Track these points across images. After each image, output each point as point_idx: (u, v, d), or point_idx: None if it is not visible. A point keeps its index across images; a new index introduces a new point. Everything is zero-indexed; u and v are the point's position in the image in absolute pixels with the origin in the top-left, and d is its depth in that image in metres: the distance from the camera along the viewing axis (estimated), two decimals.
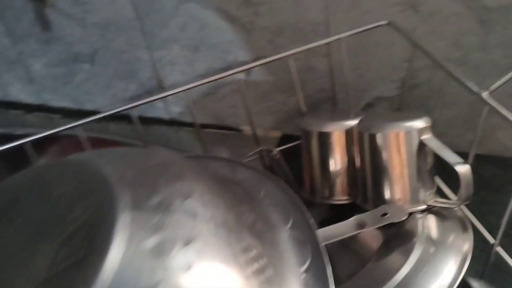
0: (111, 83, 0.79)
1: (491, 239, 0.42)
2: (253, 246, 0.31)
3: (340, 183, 0.50)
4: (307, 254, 0.33)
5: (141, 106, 0.52)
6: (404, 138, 0.44)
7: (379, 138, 0.45)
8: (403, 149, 0.44)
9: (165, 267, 0.26)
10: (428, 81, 0.61)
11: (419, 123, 0.44)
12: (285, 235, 0.35)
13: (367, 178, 0.47)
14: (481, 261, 0.42)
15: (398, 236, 0.44)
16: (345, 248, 0.46)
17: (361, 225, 0.42)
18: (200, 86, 0.54)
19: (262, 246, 0.32)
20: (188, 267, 0.27)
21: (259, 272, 0.30)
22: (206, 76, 0.59)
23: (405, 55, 0.58)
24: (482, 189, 0.43)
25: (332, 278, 0.31)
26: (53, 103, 0.87)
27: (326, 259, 0.33)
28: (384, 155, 0.45)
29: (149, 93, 0.79)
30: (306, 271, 0.33)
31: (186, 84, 0.55)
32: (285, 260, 0.33)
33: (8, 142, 0.48)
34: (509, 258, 0.40)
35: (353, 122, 0.49)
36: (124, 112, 0.53)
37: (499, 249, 0.41)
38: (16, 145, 0.48)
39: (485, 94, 0.40)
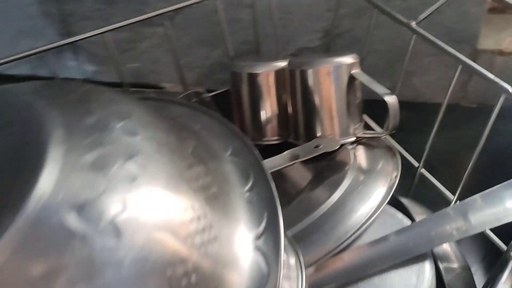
0: (15, 40, 0.73)
1: (415, 163, 0.45)
2: (196, 165, 0.30)
3: (270, 124, 0.50)
4: (249, 175, 0.33)
5: (51, 66, 0.48)
6: (334, 72, 0.44)
7: (310, 74, 0.45)
8: (333, 84, 0.45)
9: (108, 179, 0.24)
10: (350, 30, 0.62)
11: (348, 59, 0.45)
12: (226, 161, 0.34)
13: (299, 115, 0.47)
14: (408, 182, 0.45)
15: (330, 167, 0.45)
16: (279, 185, 0.46)
17: (295, 157, 0.43)
18: (116, 42, 0.51)
19: (205, 167, 0.31)
20: (133, 179, 0.25)
21: (204, 188, 0.29)
22: (123, 31, 0.56)
23: (327, 4, 0.59)
24: (398, 132, 0.46)
25: (277, 194, 0.31)
26: None
27: (269, 177, 0.32)
28: (315, 91, 0.45)
29: (60, 52, 0.74)
30: (249, 190, 0.32)
31: (102, 39, 0.51)
32: (228, 180, 0.32)
33: None
34: (431, 176, 0.43)
35: (283, 64, 0.49)
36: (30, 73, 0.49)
37: (423, 171, 0.44)
38: None
39: (413, 24, 0.42)
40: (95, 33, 0.46)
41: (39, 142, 0.25)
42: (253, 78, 0.48)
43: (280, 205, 0.31)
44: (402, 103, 0.63)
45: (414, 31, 0.43)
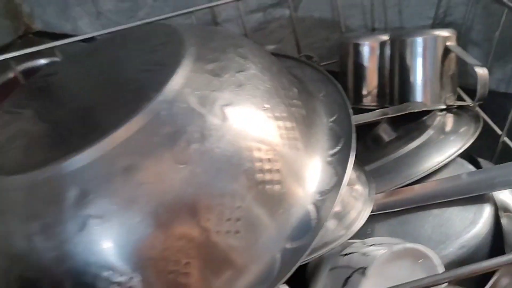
0: (170, 18, 0.87)
1: (499, 131, 0.48)
2: (291, 91, 0.38)
3: (369, 90, 0.56)
4: (335, 112, 0.40)
5: None
6: (430, 42, 0.50)
7: (408, 43, 0.51)
8: (428, 54, 0.50)
9: (221, 81, 0.34)
10: (463, 18, 0.66)
11: (445, 32, 0.50)
12: (318, 99, 0.42)
13: (395, 82, 0.53)
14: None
15: (416, 128, 0.50)
16: (368, 138, 0.52)
17: (384, 114, 0.49)
18: (252, 22, 0.61)
19: (299, 95, 0.39)
20: (240, 85, 0.34)
21: (295, 106, 0.37)
22: (257, 12, 0.66)
23: None
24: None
25: (355, 129, 0.38)
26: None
27: (351, 115, 0.39)
28: (411, 59, 0.51)
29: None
30: (333, 121, 0.40)
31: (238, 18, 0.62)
32: (316, 111, 0.40)
33: None
34: None
35: (385, 37, 0.55)
36: None
37: (506, 139, 0.48)
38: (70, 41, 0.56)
39: None
40: (231, 0, 0.57)
41: (178, 53, 0.35)
42: (357, 48, 0.55)
43: (356, 136, 0.38)
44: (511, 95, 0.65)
45: (505, 5, 0.46)
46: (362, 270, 0.29)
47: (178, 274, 0.30)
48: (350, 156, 0.35)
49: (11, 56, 0.57)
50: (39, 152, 0.32)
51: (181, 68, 0.33)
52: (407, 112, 0.49)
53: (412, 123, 0.51)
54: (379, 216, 0.39)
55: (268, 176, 0.32)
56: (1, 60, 0.60)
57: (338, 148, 0.37)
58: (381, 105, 0.56)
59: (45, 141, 0.33)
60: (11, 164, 0.32)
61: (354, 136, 0.37)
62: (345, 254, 0.34)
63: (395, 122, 0.52)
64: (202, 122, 0.31)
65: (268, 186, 0.32)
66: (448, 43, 0.49)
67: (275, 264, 0.31)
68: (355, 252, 0.33)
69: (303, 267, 0.34)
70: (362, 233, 0.37)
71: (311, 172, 0.35)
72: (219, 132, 0.31)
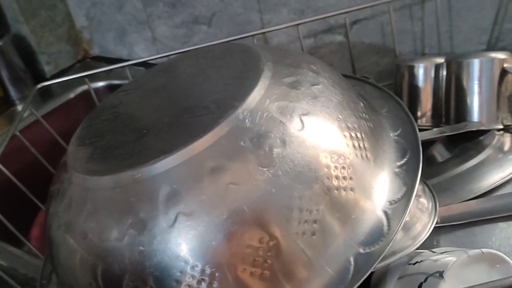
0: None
1: None
2: (359, 104, 0.40)
3: (424, 111, 0.57)
4: (399, 126, 0.42)
5: None
6: (486, 64, 0.51)
7: (464, 65, 0.52)
8: (485, 75, 0.52)
9: (298, 93, 0.36)
10: None
11: (502, 55, 0.52)
12: (382, 115, 0.44)
13: (451, 102, 0.55)
14: None
15: (475, 148, 0.51)
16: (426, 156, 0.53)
17: (442, 132, 0.50)
18: (303, 47, 0.64)
19: (365, 108, 0.41)
20: (314, 97, 0.36)
21: (364, 119, 0.39)
22: (308, 37, 0.69)
23: (494, 18, 0.65)
24: None
25: (420, 141, 0.39)
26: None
27: (416, 129, 0.41)
28: (468, 80, 0.52)
29: None
30: (397, 135, 0.41)
31: (289, 44, 0.65)
32: (382, 125, 0.42)
33: None
34: None
35: (440, 60, 0.57)
36: None
37: None
38: (119, 67, 0.60)
39: None
40: (288, 25, 0.60)
41: (257, 67, 0.38)
42: (412, 70, 0.57)
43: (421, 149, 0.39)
44: None
45: None
46: (439, 274, 0.30)
47: (257, 272, 0.32)
48: (419, 168, 0.37)
49: (68, 79, 0.62)
50: (131, 156, 0.34)
51: (261, 80, 0.36)
52: (464, 131, 0.50)
53: (468, 142, 0.52)
54: (444, 228, 0.40)
55: (342, 182, 0.34)
56: (64, 81, 0.65)
57: (405, 160, 0.38)
58: (435, 126, 0.58)
59: (135, 146, 0.35)
60: (102, 167, 0.35)
61: (420, 148, 0.38)
62: (415, 263, 0.35)
63: (450, 142, 0.53)
64: (283, 129, 0.33)
65: (342, 192, 0.34)
66: (505, 65, 0.51)
67: (349, 268, 0.33)
68: (425, 260, 0.34)
69: (367, 279, 0.35)
70: (427, 245, 0.38)
71: (380, 182, 0.36)
72: (298, 139, 0.33)
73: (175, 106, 0.38)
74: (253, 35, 0.63)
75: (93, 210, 0.34)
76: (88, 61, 1.03)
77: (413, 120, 0.41)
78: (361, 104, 0.40)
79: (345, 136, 0.35)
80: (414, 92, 0.58)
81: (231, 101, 0.34)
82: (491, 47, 0.68)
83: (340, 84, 0.39)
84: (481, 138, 0.52)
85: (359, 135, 0.37)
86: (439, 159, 0.52)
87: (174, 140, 0.33)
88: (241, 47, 0.42)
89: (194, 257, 0.31)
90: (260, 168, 0.32)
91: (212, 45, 0.55)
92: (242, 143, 0.32)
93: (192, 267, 0.31)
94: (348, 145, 0.35)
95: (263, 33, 0.63)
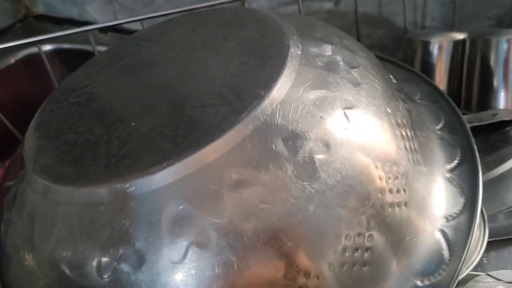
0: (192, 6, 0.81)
1: None
2: (400, 91, 0.32)
3: None
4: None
5: None
6: None
7: (493, 43, 0.45)
8: None
9: (338, 79, 0.28)
10: None
11: None
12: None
13: (474, 85, 0.48)
14: None
15: (503, 140, 0.45)
16: None
17: (469, 122, 0.43)
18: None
19: (405, 96, 0.33)
20: (357, 84, 0.28)
21: (408, 110, 0.31)
22: (292, 4, 0.60)
23: None
24: None
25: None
26: (130, 25, 0.88)
27: (462, 118, 0.33)
28: (496, 61, 0.46)
29: None
30: (440, 129, 0.34)
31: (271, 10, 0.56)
32: (422, 118, 0.34)
33: (84, 58, 0.48)
34: None
35: (459, 36, 0.50)
36: None
37: None
38: (81, 31, 0.49)
39: None
40: None
41: (279, 43, 0.29)
42: (426, 46, 0.50)
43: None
44: None
45: None
46: None
47: None
48: (478, 171, 0.29)
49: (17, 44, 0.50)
50: (118, 159, 0.25)
51: (289, 61, 0.27)
52: (495, 120, 0.43)
53: (494, 134, 0.45)
54: (494, 243, 0.34)
55: (396, 197, 0.26)
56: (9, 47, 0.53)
57: (456, 161, 0.31)
58: None
59: (122, 145, 0.26)
60: (78, 173, 0.25)
61: (474, 146, 0.31)
62: None
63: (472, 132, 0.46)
64: (324, 127, 0.25)
65: (396, 209, 0.26)
66: None
67: None
68: None
69: None
70: (477, 263, 0.31)
71: (434, 192, 0.29)
72: (345, 141, 0.25)
73: (174, 90, 0.28)
74: (221, 3, 0.53)
75: (68, 233, 0.24)
76: (30, 20, 0.89)
77: (457, 109, 0.34)
78: (401, 91, 0.32)
79: (396, 135, 0.28)
80: (427, 72, 0.51)
81: (253, 87, 0.25)
82: (501, 23, 0.61)
83: (379, 66, 0.31)
84: (508, 128, 0.45)
85: (409, 133, 0.29)
86: None
87: (179, 140, 0.24)
88: (252, 14, 0.33)
89: None
90: (300, 181, 0.23)
91: (210, 6, 0.45)
92: (274, 146, 0.24)
93: None
94: (400, 147, 0.28)
95: (232, 1, 0.53)
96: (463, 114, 0.46)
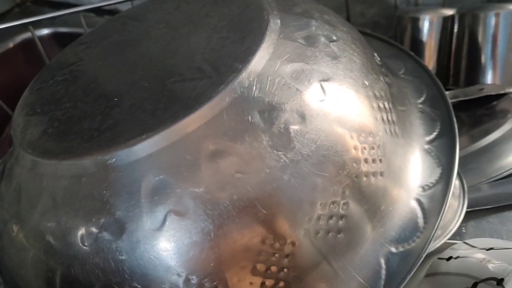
0: None
1: None
2: (381, 66, 0.33)
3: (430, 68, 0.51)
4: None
5: None
6: (505, 18, 0.45)
7: (481, 18, 0.46)
8: (503, 30, 0.45)
9: (316, 52, 0.28)
10: None
11: None
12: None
13: (462, 61, 0.48)
14: None
15: (489, 115, 0.45)
16: None
17: (455, 97, 0.43)
18: None
19: (386, 71, 0.33)
20: (335, 57, 0.29)
21: (388, 84, 0.31)
22: None
23: None
24: None
25: (451, 106, 0.32)
26: (125, 7, 0.88)
27: (444, 93, 0.34)
28: (484, 36, 0.46)
29: None
30: (422, 102, 0.34)
31: None
32: (404, 92, 0.35)
33: None
34: None
35: (448, 11, 0.50)
36: None
37: None
38: (71, 12, 0.49)
39: None
40: None
41: (259, 18, 0.29)
42: (415, 23, 0.50)
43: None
44: None
45: None
46: (496, 282, 0.24)
47: (269, 284, 0.24)
48: (455, 143, 0.30)
49: (9, 26, 0.50)
50: (101, 132, 0.26)
51: (267, 35, 0.27)
52: (481, 95, 0.43)
53: (480, 108, 0.46)
54: (473, 213, 0.34)
55: (372, 167, 0.27)
56: (2, 28, 0.53)
57: (435, 133, 0.32)
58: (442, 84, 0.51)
59: (105, 119, 0.27)
60: (62, 147, 0.26)
61: (453, 118, 0.32)
62: (448, 258, 0.29)
63: (456, 108, 0.47)
64: (300, 100, 0.26)
65: (372, 178, 0.27)
66: None
67: (380, 272, 0.26)
68: (465, 257, 0.28)
69: None
70: (456, 232, 0.32)
71: (411, 163, 0.30)
72: (320, 113, 0.26)
73: (156, 66, 0.29)
74: None
75: (52, 205, 0.25)
76: (28, 5, 0.90)
77: (440, 84, 0.35)
78: (382, 65, 0.33)
79: (373, 107, 0.28)
80: (417, 48, 0.51)
81: (231, 61, 0.26)
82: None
83: (360, 41, 0.32)
84: (494, 103, 0.46)
85: (387, 106, 0.29)
86: None
87: (158, 113, 0.25)
88: None
89: (190, 268, 0.24)
90: (275, 151, 0.24)
91: None
92: (250, 118, 0.24)
93: (187, 281, 0.24)
94: (377, 119, 0.28)
95: None
96: (451, 89, 0.46)
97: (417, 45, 0.51)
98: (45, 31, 0.81)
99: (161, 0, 0.38)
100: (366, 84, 0.29)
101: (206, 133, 0.24)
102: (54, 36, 0.81)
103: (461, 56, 0.48)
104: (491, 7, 0.46)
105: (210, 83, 0.26)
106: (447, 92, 0.43)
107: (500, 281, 0.24)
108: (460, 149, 0.37)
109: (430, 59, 0.51)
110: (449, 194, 0.28)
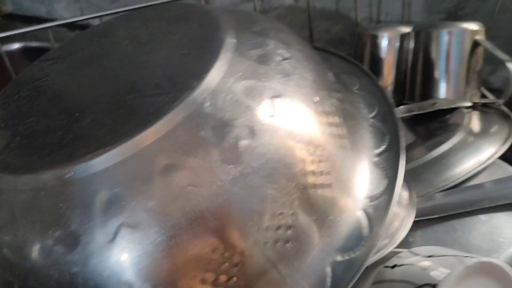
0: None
1: None
2: (334, 82, 0.35)
3: (387, 84, 0.53)
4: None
5: None
6: (458, 36, 0.47)
7: (434, 36, 0.48)
8: (455, 47, 0.47)
9: (268, 70, 0.30)
10: (474, 13, 0.64)
11: (474, 26, 0.48)
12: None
13: (417, 76, 0.50)
14: None
15: (442, 128, 0.47)
16: None
17: (409, 111, 0.46)
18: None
19: (339, 86, 0.35)
20: (287, 75, 0.30)
21: (339, 99, 0.33)
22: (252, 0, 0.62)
23: None
24: None
25: (400, 121, 0.34)
26: (97, 22, 0.89)
27: (393, 107, 0.36)
28: (437, 53, 0.48)
29: None
30: (373, 117, 0.36)
31: (233, 7, 0.58)
32: (357, 106, 0.36)
33: None
34: None
35: (406, 29, 0.52)
36: None
37: None
38: (40, 28, 0.50)
39: None
40: None
41: (218, 36, 0.31)
42: (374, 39, 0.52)
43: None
44: None
45: None
46: (432, 287, 0.26)
47: None
48: (401, 156, 0.32)
49: None
50: (61, 147, 0.27)
51: (222, 53, 0.29)
52: (434, 109, 0.46)
53: (434, 121, 0.48)
54: (421, 223, 0.36)
55: (319, 179, 0.28)
56: None
57: (384, 146, 0.34)
58: (398, 102, 0.54)
59: (66, 134, 0.28)
60: (22, 161, 0.27)
61: (401, 132, 0.33)
62: (393, 266, 0.31)
63: (413, 121, 0.49)
64: (251, 116, 0.27)
65: (319, 190, 0.28)
66: (477, 37, 0.47)
67: (326, 280, 0.28)
68: (408, 265, 0.30)
69: None
70: (403, 241, 0.34)
71: (359, 175, 0.31)
72: (270, 128, 0.27)
73: (118, 82, 0.30)
74: None
75: (9, 218, 0.26)
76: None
77: (390, 99, 0.37)
78: (335, 81, 0.34)
79: (321, 122, 0.30)
80: (376, 64, 0.53)
81: (188, 78, 0.27)
82: (451, 16, 0.64)
83: (314, 58, 0.34)
84: (447, 116, 0.48)
85: (337, 120, 0.31)
86: (409, 140, 0.48)
87: (116, 128, 0.26)
88: (199, 9, 0.35)
89: (142, 278, 0.25)
90: (226, 165, 0.25)
91: (161, 4, 0.47)
92: (202, 133, 0.26)
93: None
94: (325, 133, 0.30)
95: None
96: (407, 103, 0.48)
97: (376, 61, 0.53)
98: (16, 46, 0.82)
99: (128, 17, 0.39)
100: (316, 100, 0.30)
101: (161, 147, 0.25)
102: (25, 50, 0.81)
103: (416, 72, 0.50)
104: (444, 25, 0.48)
105: (167, 99, 0.27)
106: (402, 107, 0.45)
107: (434, 286, 0.26)
108: (413, 160, 0.39)
109: (388, 75, 0.53)
110: (392, 205, 0.30)
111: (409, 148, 0.46)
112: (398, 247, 0.33)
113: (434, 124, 0.48)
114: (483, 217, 0.37)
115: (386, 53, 0.52)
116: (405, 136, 0.46)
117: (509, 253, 0.34)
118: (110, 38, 0.36)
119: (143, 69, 0.31)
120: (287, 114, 0.28)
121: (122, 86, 0.30)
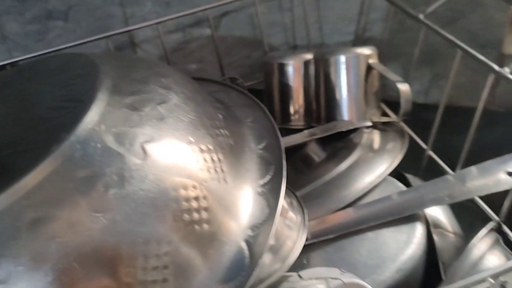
0: (84, 44, 0.83)
1: (424, 146, 0.49)
2: (217, 120, 0.36)
3: (296, 110, 0.55)
4: (264, 137, 0.38)
5: None
6: (353, 61, 0.50)
7: (331, 62, 0.51)
8: (352, 72, 0.50)
9: (141, 116, 0.31)
10: (381, 34, 0.67)
11: (366, 50, 0.50)
12: (246, 125, 0.40)
13: (321, 101, 0.53)
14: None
15: (344, 147, 0.50)
16: (298, 160, 0.51)
17: (312, 135, 0.48)
18: (171, 43, 0.59)
19: (225, 123, 0.37)
20: (161, 118, 0.32)
21: (222, 136, 0.35)
22: (175, 32, 0.64)
23: (360, 8, 0.65)
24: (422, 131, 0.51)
25: (284, 154, 0.36)
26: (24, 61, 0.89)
27: (281, 140, 0.38)
28: (335, 78, 0.51)
29: (120, 49, 0.83)
30: (262, 148, 0.38)
31: (156, 39, 0.60)
32: (245, 139, 0.38)
33: None
34: (439, 159, 0.47)
35: (310, 56, 0.55)
36: None
37: (431, 153, 0.48)
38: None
39: (421, 16, 0.47)
40: (149, 24, 0.54)
41: (93, 87, 0.32)
42: (281, 68, 0.54)
43: (286, 163, 0.36)
44: (429, 106, 0.67)
45: (422, 23, 0.47)
46: None
47: None
48: (282, 185, 0.34)
49: None
50: None
51: (95, 103, 0.30)
52: (335, 131, 0.48)
53: (339, 141, 0.51)
54: (315, 244, 0.38)
55: (196, 216, 0.30)
56: None
57: (268, 177, 0.35)
58: (308, 124, 0.56)
59: None
60: None
61: (284, 163, 0.35)
62: None
63: (323, 141, 0.52)
64: (121, 163, 0.28)
65: (196, 227, 0.30)
66: (370, 61, 0.50)
67: None
68: None
69: None
70: (298, 264, 0.35)
71: (242, 206, 0.33)
72: (141, 173, 0.28)
73: None
74: (108, 36, 0.56)
75: None
76: None
77: (277, 130, 0.38)
78: (221, 117, 0.36)
79: (197, 161, 0.31)
80: (284, 91, 0.56)
81: (59, 131, 0.28)
82: (359, 37, 0.67)
83: (195, 99, 0.35)
84: (350, 136, 0.50)
85: (215, 158, 0.32)
86: (316, 159, 0.50)
87: None
88: (83, 59, 0.36)
89: None
90: (94, 214, 0.26)
91: (54, 54, 0.47)
92: (70, 184, 0.27)
93: None
94: (202, 171, 0.31)
95: (119, 33, 0.56)
96: (312, 127, 0.50)
97: (285, 88, 0.55)
98: None
99: (21, 68, 0.40)
100: (191, 141, 0.32)
101: (28, 202, 0.26)
102: None
103: (320, 96, 0.53)
104: (340, 51, 0.51)
105: (37, 154, 0.28)
106: (306, 131, 0.47)
107: None
108: (316, 180, 0.41)
109: (297, 100, 0.55)
110: (270, 233, 0.31)
111: (318, 165, 0.48)
112: (292, 269, 0.35)
113: (339, 144, 0.51)
114: (370, 234, 0.38)
115: (293, 80, 0.55)
116: (317, 154, 0.48)
117: (393, 267, 0.36)
118: (3, 91, 0.37)
119: (23, 125, 0.31)
120: (159, 157, 0.30)
121: (1, 142, 0.31)
